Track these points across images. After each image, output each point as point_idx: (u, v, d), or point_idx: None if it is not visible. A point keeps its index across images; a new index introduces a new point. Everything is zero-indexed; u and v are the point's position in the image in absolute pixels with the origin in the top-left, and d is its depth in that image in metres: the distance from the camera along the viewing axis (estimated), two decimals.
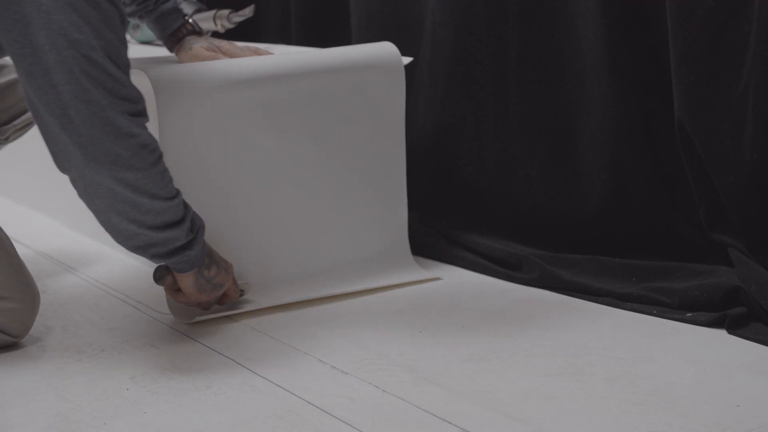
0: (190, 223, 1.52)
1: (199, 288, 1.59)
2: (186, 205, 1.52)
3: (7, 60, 1.81)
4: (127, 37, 2.27)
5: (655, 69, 1.80)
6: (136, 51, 2.11)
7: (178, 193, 1.50)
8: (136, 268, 1.98)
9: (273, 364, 1.52)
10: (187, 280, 1.57)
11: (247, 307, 1.71)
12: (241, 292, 1.71)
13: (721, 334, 1.59)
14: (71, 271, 1.97)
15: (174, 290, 1.61)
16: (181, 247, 1.51)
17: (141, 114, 1.44)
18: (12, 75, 1.83)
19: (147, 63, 1.80)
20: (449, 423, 1.33)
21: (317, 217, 1.82)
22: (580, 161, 1.91)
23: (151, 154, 1.44)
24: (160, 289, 1.78)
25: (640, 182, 1.85)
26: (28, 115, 1.84)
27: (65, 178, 1.96)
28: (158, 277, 1.59)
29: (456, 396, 1.40)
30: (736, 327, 1.59)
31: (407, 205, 1.92)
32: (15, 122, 1.83)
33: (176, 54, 1.85)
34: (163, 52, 1.99)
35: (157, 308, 1.74)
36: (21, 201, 2.41)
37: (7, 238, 1.59)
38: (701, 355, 1.52)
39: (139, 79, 1.77)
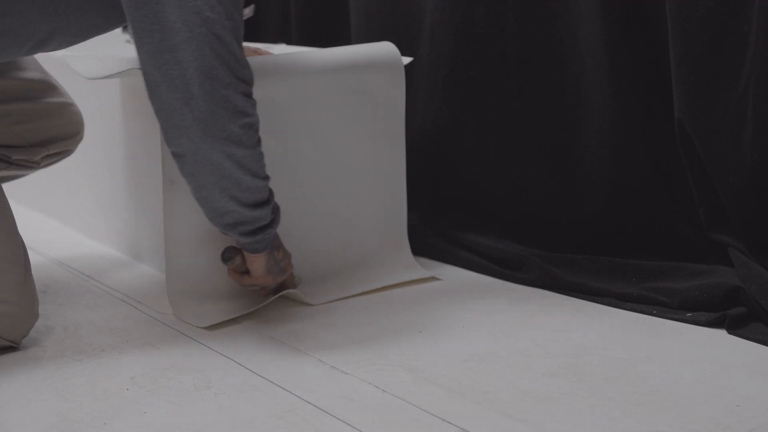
0: (273, 204, 1.59)
1: (268, 269, 1.64)
2: (272, 191, 1.59)
3: (51, 79, 1.83)
4: (127, 37, 2.28)
5: (655, 69, 1.80)
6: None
7: (268, 175, 1.56)
8: (137, 268, 1.98)
9: (273, 364, 1.52)
10: (259, 261, 1.63)
11: (247, 309, 1.71)
12: (295, 284, 1.75)
13: (721, 334, 1.59)
14: (71, 271, 1.97)
15: (239, 273, 1.66)
16: (265, 226, 1.58)
17: (251, 96, 1.51)
18: (56, 98, 1.84)
19: None
20: (449, 423, 1.33)
21: (317, 217, 1.82)
22: (580, 161, 1.91)
23: (256, 134, 1.52)
24: (160, 289, 1.78)
25: (640, 182, 1.85)
26: (63, 144, 1.86)
27: (64, 176, 1.97)
28: (227, 257, 1.64)
29: (456, 396, 1.40)
30: (736, 327, 1.59)
31: (407, 205, 1.92)
32: (49, 146, 1.84)
33: None
34: None
35: (157, 308, 1.74)
36: (21, 201, 2.41)
37: (24, 246, 1.60)
38: (701, 355, 1.52)
39: (139, 79, 1.77)
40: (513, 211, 2.00)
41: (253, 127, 1.51)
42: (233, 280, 1.69)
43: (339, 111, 1.81)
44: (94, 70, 1.76)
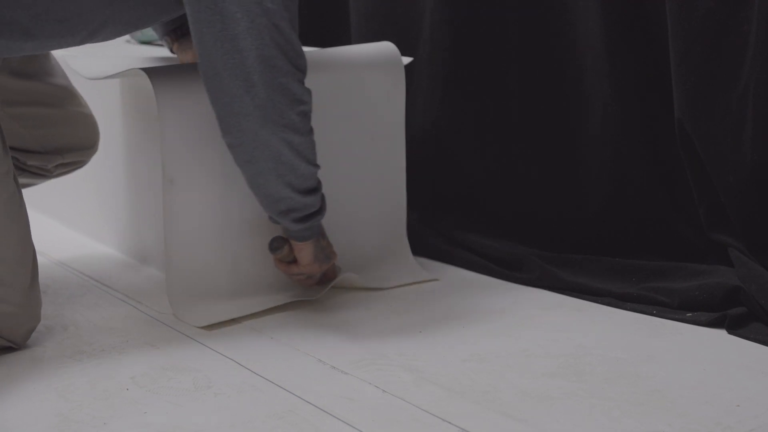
0: (321, 192, 1.64)
1: (315, 257, 1.69)
2: (319, 180, 1.64)
3: (74, 88, 1.83)
4: (127, 37, 2.28)
5: (655, 69, 1.80)
6: (136, 51, 2.11)
7: (318, 164, 1.62)
8: (137, 268, 1.98)
9: (273, 364, 1.52)
10: (307, 249, 1.67)
11: (247, 310, 1.71)
12: (336, 273, 1.78)
13: (721, 334, 1.59)
14: (71, 271, 1.97)
15: (286, 263, 1.70)
16: (315, 212, 1.64)
17: (304, 84, 1.56)
18: (77, 107, 1.84)
19: (147, 63, 1.80)
20: (449, 423, 1.33)
21: None
22: (580, 161, 1.91)
23: (310, 121, 1.57)
24: (160, 289, 1.78)
25: (640, 182, 1.85)
26: (78, 154, 1.86)
27: (64, 176, 1.96)
28: (275, 247, 1.68)
29: (456, 396, 1.40)
30: (736, 327, 1.59)
31: (407, 205, 1.92)
32: (65, 155, 1.84)
33: (177, 54, 1.85)
34: (163, 52, 1.99)
35: (157, 308, 1.74)
36: None
37: (34, 252, 1.60)
38: (701, 355, 1.52)
39: (139, 79, 1.78)
40: (513, 211, 2.00)
41: (308, 115, 1.56)
42: (248, 276, 1.70)
43: (339, 111, 1.81)
44: (94, 70, 1.76)
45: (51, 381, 1.48)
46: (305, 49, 2.01)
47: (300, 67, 1.54)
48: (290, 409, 1.38)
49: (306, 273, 1.71)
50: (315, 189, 1.62)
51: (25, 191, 1.91)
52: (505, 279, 1.86)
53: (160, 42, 2.05)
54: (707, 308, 1.64)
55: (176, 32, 1.83)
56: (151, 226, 1.91)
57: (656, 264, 1.77)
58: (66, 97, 1.83)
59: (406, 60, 1.87)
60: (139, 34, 2.35)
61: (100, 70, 1.76)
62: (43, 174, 1.85)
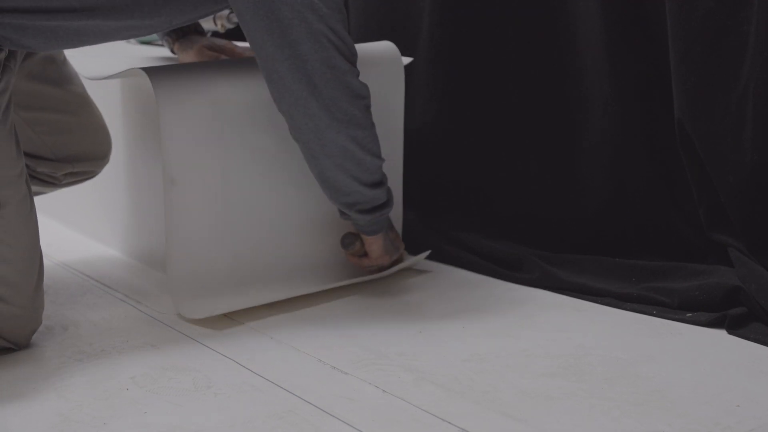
0: (387, 185, 1.70)
1: (386, 249, 1.77)
2: (384, 174, 1.70)
3: (90, 98, 1.83)
4: None
5: (655, 69, 1.80)
6: (136, 51, 2.11)
7: (383, 157, 1.67)
8: (137, 268, 1.98)
9: (273, 364, 1.52)
10: (377, 242, 1.76)
11: (247, 303, 1.71)
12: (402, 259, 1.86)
13: (721, 334, 1.59)
14: (71, 271, 1.97)
15: (358, 257, 1.79)
16: (382, 205, 1.70)
17: (359, 78, 1.62)
18: (91, 117, 1.84)
19: (147, 63, 1.80)
20: (449, 423, 1.33)
21: (316, 215, 1.82)
22: (580, 161, 1.91)
23: (371, 115, 1.64)
24: (160, 289, 1.78)
25: (640, 182, 1.85)
26: (89, 164, 1.86)
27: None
28: (347, 243, 1.78)
29: (456, 396, 1.40)
30: (736, 327, 1.59)
31: (406, 204, 1.92)
32: (75, 164, 1.84)
33: (177, 54, 1.85)
34: (163, 52, 1.99)
35: (157, 308, 1.74)
36: None
37: (41, 257, 1.60)
38: (701, 355, 1.52)
39: (139, 79, 1.78)
40: (513, 211, 2.00)
41: (369, 109, 1.63)
42: (248, 276, 1.70)
43: None
44: (94, 70, 1.76)
45: (51, 381, 1.48)
46: None
47: (355, 64, 1.60)
48: (290, 409, 1.38)
49: (377, 265, 1.80)
50: (380, 182, 1.68)
51: None
52: (505, 279, 1.86)
53: (160, 42, 2.05)
54: (707, 308, 1.65)
55: (176, 32, 1.83)
56: (152, 226, 1.91)
57: (656, 264, 1.77)
58: (81, 105, 1.82)
59: (406, 60, 1.87)
60: None
61: (101, 70, 1.76)
62: (52, 182, 1.85)
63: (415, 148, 2.05)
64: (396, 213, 1.91)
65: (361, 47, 1.88)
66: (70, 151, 1.82)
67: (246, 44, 1.89)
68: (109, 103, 1.98)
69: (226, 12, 1.99)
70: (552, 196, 1.95)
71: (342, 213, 1.71)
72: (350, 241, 1.78)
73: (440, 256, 1.98)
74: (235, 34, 2.02)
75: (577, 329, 1.63)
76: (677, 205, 1.83)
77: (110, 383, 1.47)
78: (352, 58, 1.60)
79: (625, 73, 1.82)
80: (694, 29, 1.68)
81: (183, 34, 1.82)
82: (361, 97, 1.61)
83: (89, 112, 1.84)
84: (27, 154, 1.77)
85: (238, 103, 1.71)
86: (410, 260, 1.87)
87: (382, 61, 1.85)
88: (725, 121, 1.69)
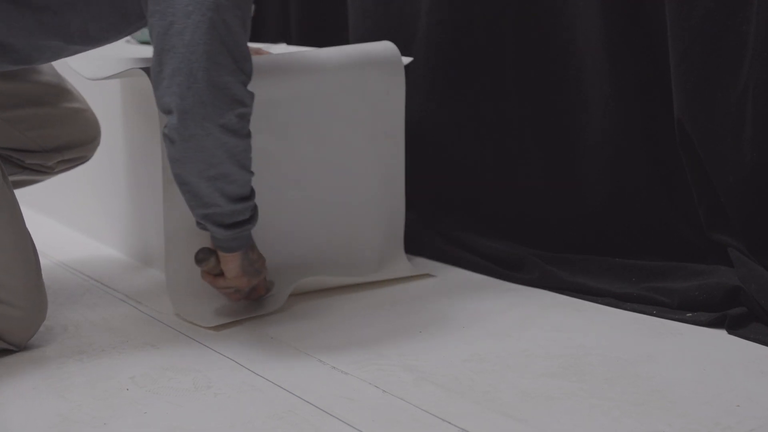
0: (253, 202, 1.59)
1: (243, 269, 1.62)
2: (253, 189, 1.59)
3: (67, 84, 1.82)
4: (127, 37, 2.27)
5: (654, 69, 1.80)
6: (136, 51, 2.11)
7: (253, 171, 1.56)
8: (137, 268, 1.98)
9: (273, 364, 1.52)
10: (234, 261, 1.61)
11: (248, 312, 1.71)
12: (267, 290, 1.73)
13: (721, 334, 1.59)
14: (71, 271, 1.97)
15: (213, 275, 1.64)
16: (243, 221, 1.57)
17: (247, 87, 1.51)
18: (71, 104, 1.83)
19: (147, 63, 1.80)
20: (449, 423, 1.33)
21: (316, 216, 1.82)
22: (580, 161, 1.91)
23: (248, 125, 1.52)
24: (160, 289, 1.78)
25: (639, 182, 1.85)
26: (79, 150, 1.85)
27: (64, 177, 1.96)
28: (201, 258, 1.62)
29: (456, 396, 1.40)
30: (736, 327, 1.59)
31: (407, 205, 1.92)
32: (64, 152, 1.83)
33: None
34: None
35: (157, 308, 1.74)
36: (20, 201, 2.41)
37: (36, 251, 1.59)
38: (701, 355, 1.52)
39: (139, 79, 1.78)
40: (513, 211, 2.00)
41: (247, 119, 1.51)
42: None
43: (339, 111, 1.81)
44: (94, 71, 1.76)
45: (51, 381, 1.48)
46: (305, 49, 2.02)
47: (245, 70, 1.50)
48: (290, 409, 1.38)
49: (233, 286, 1.65)
50: (247, 197, 1.56)
51: (24, 191, 1.91)
52: (505, 279, 1.86)
53: None
54: (707, 308, 1.64)
55: None
56: (151, 226, 1.91)
57: (656, 264, 1.77)
58: (58, 94, 1.81)
59: (407, 60, 1.87)
60: (139, 34, 2.35)
61: (101, 70, 1.76)
62: (45, 171, 1.84)
63: (414, 148, 2.05)
64: (398, 214, 1.91)
65: (361, 47, 1.88)
66: (58, 142, 1.81)
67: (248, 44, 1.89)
68: (109, 103, 1.98)
69: None
70: (552, 196, 1.95)
71: (198, 224, 1.59)
72: (204, 256, 1.62)
73: (440, 256, 1.98)
74: None
75: (577, 329, 1.63)
76: (677, 205, 1.83)
77: (110, 383, 1.47)
78: (242, 62, 1.49)
79: (625, 73, 1.82)
80: (694, 29, 1.68)
81: None
82: (242, 104, 1.49)
83: (68, 99, 1.83)
84: (15, 149, 1.76)
85: None
86: (407, 272, 1.85)
87: (382, 61, 1.85)
88: (725, 121, 1.69)
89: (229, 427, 1.33)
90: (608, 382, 1.44)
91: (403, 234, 1.92)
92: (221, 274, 1.64)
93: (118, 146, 2.00)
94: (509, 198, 2.01)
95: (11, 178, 1.79)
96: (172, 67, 1.46)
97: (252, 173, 1.56)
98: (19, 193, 1.77)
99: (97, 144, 1.90)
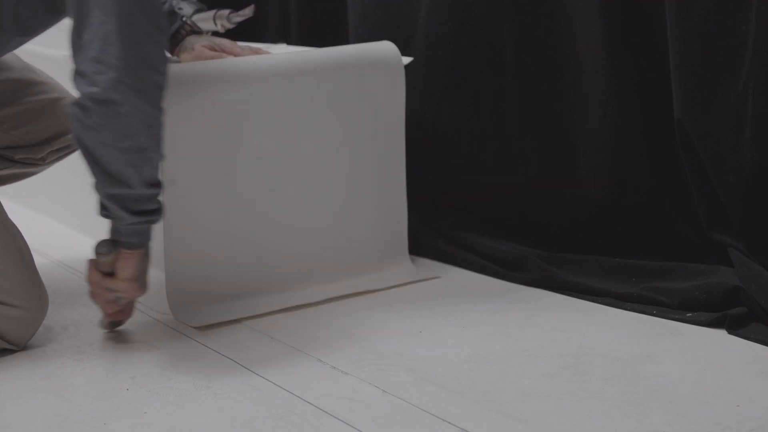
0: (161, 194, 1.51)
1: (137, 274, 1.53)
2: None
3: (39, 75, 1.80)
4: None
5: (654, 69, 1.80)
6: None
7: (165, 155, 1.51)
8: None
9: (273, 364, 1.52)
10: (132, 260, 1.52)
11: (247, 311, 1.71)
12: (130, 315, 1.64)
13: (721, 334, 1.59)
14: (71, 271, 1.97)
15: (103, 273, 1.54)
16: (152, 211, 1.51)
17: (165, 52, 1.47)
18: (47, 95, 1.81)
19: None
20: (449, 423, 1.33)
21: (317, 217, 1.82)
22: (580, 161, 1.91)
23: (163, 98, 1.46)
24: (160, 290, 1.78)
25: (639, 182, 1.85)
26: (67, 138, 1.83)
27: (63, 176, 1.96)
28: (100, 252, 1.52)
29: (456, 396, 1.40)
30: (736, 327, 1.59)
31: (407, 205, 1.92)
32: (53, 143, 1.82)
33: (177, 55, 1.85)
34: None
35: (157, 308, 1.74)
36: (19, 200, 2.41)
37: (27, 246, 1.59)
38: (701, 355, 1.52)
39: None
40: (513, 211, 2.00)
41: (161, 88, 1.46)
42: (248, 277, 1.67)
43: (339, 110, 1.81)
44: None
45: (51, 381, 1.48)
46: (305, 49, 2.02)
47: (161, 28, 1.45)
48: (290, 409, 1.38)
49: (119, 291, 1.55)
50: (158, 184, 1.50)
51: (24, 190, 1.91)
52: (505, 279, 1.86)
53: None
54: (707, 308, 1.64)
55: (174, 38, 1.82)
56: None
57: (656, 264, 1.77)
58: (30, 87, 1.79)
59: (407, 60, 1.87)
60: None
61: None
62: (36, 163, 1.82)
63: (414, 148, 2.05)
64: (400, 215, 1.90)
65: (361, 47, 1.88)
66: (44, 135, 1.80)
67: (248, 44, 1.89)
68: None
69: (226, 12, 1.99)
70: (552, 195, 1.95)
71: (102, 208, 1.52)
72: (105, 250, 1.52)
73: (441, 256, 1.98)
74: (235, 34, 2.02)
75: (577, 329, 1.63)
76: (677, 205, 1.83)
77: (110, 383, 1.47)
78: (158, 22, 1.44)
79: (625, 73, 1.82)
80: (694, 29, 1.67)
81: (181, 38, 1.82)
82: (156, 70, 1.44)
83: (44, 91, 1.80)
84: (2, 148, 1.75)
85: (239, 103, 1.71)
86: (412, 277, 1.85)
87: (382, 61, 1.85)
88: (725, 121, 1.69)
89: (229, 427, 1.33)
90: (608, 382, 1.44)
91: (406, 236, 1.91)
92: (111, 274, 1.55)
93: None
94: (509, 198, 2.01)
95: (3, 173, 1.78)
96: (89, 32, 1.41)
97: (164, 157, 1.49)
98: (18, 191, 1.78)
99: None
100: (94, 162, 1.46)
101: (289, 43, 2.42)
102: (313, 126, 1.79)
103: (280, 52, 1.92)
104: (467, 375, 1.47)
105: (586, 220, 1.90)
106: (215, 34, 2.02)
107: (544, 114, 1.95)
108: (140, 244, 1.53)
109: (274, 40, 2.49)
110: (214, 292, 1.72)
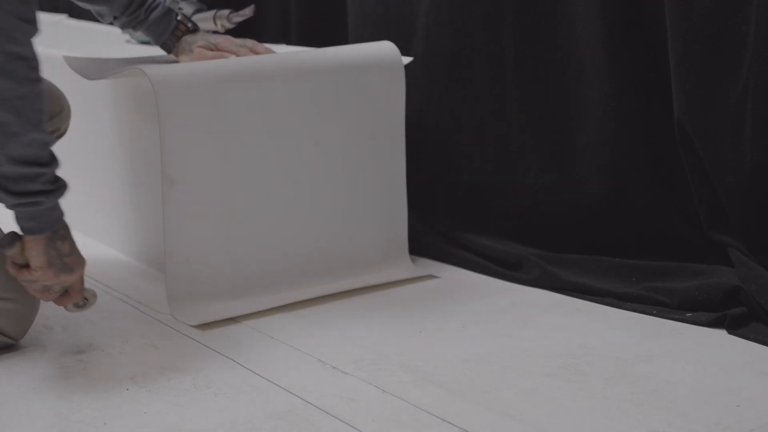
0: (53, 176, 1.42)
1: (49, 260, 1.45)
2: (56, 159, 1.43)
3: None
4: (127, 37, 2.28)
5: (654, 69, 1.80)
6: (136, 51, 2.11)
7: (52, 139, 1.43)
8: (137, 268, 1.98)
9: (273, 364, 1.52)
10: (37, 247, 1.45)
11: (248, 309, 1.71)
12: (84, 301, 1.57)
13: (721, 334, 1.59)
14: None
15: (18, 266, 1.48)
16: (36, 192, 1.41)
17: (32, 22, 1.37)
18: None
19: (147, 63, 1.80)
20: (449, 423, 1.33)
21: (317, 217, 1.82)
22: (580, 161, 1.91)
23: (30, 70, 1.37)
24: (160, 289, 1.78)
25: (639, 182, 1.85)
26: (50, 124, 1.81)
27: (62, 176, 1.96)
28: (5, 243, 1.45)
29: (456, 396, 1.40)
30: (736, 327, 1.59)
31: (407, 205, 1.92)
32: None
33: (176, 56, 1.85)
34: (163, 52, 1.99)
35: (157, 308, 1.74)
36: None
37: None
38: (701, 355, 1.52)
39: (139, 79, 1.78)
40: (513, 211, 2.00)
41: (25, 59, 1.36)
42: (248, 276, 1.67)
43: (339, 111, 1.81)
44: (94, 71, 1.76)
45: (51, 381, 1.48)
46: (305, 49, 2.02)
47: (31, 15, 1.35)
48: (290, 409, 1.38)
49: (39, 281, 1.48)
50: (39, 163, 1.39)
51: None
52: (505, 279, 1.86)
53: None
54: (707, 308, 1.64)
55: (171, 39, 1.82)
56: (151, 226, 1.91)
57: (656, 264, 1.77)
58: None
59: (406, 60, 1.87)
60: (138, 34, 2.35)
61: (100, 70, 1.76)
62: None
63: (414, 148, 2.05)
64: (401, 215, 1.90)
65: (361, 48, 1.88)
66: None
67: (244, 40, 1.89)
68: (109, 104, 1.98)
69: (226, 12, 2.00)
70: (552, 195, 1.95)
71: None
72: (10, 240, 1.45)
73: (441, 256, 1.98)
74: (235, 34, 2.02)
75: (577, 329, 1.63)
76: (677, 205, 1.83)
77: (110, 383, 1.47)
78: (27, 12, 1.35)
79: (625, 73, 1.82)
80: (693, 29, 1.68)
81: (177, 38, 1.82)
82: (13, 40, 1.33)
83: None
84: None
85: (238, 103, 1.71)
86: (410, 273, 1.85)
87: (382, 61, 1.85)
88: (725, 121, 1.69)
89: (229, 427, 1.33)
90: (608, 382, 1.44)
91: (406, 235, 1.91)
92: (28, 265, 1.48)
93: (116, 146, 2.00)
94: (509, 198, 2.01)
95: None
96: None
97: (49, 136, 1.41)
98: None
99: (68, 114, 1.80)
100: None
101: (289, 43, 2.43)
102: (313, 126, 1.79)
103: (280, 52, 1.92)
104: (467, 375, 1.47)
105: (586, 220, 1.90)
106: (215, 33, 2.03)
107: (544, 114, 1.95)
108: (39, 228, 1.44)
109: (274, 40, 2.50)
110: (214, 291, 1.72)
